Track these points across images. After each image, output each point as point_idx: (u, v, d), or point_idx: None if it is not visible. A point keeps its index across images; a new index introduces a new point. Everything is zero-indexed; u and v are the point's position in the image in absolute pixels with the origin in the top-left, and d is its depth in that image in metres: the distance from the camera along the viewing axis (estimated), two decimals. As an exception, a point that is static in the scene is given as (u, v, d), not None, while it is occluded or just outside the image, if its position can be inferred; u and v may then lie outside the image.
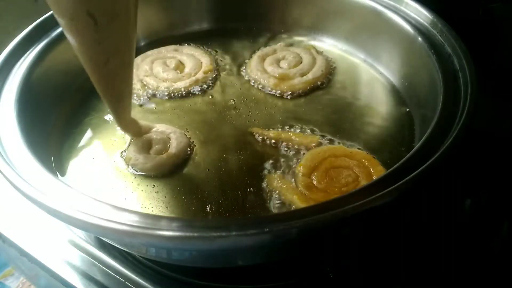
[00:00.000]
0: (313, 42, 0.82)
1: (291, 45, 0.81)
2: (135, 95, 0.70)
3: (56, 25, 0.69)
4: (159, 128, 0.63)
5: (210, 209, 0.54)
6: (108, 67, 0.49)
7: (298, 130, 0.64)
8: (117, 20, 0.47)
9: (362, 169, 0.56)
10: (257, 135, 0.63)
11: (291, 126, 0.64)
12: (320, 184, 0.55)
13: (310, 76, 0.72)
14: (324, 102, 0.69)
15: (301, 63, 0.75)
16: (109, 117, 0.67)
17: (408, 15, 0.70)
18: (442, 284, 0.53)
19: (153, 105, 0.69)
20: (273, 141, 0.62)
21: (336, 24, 0.80)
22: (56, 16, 0.45)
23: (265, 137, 0.63)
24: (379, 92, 0.71)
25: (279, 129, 0.64)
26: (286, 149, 0.61)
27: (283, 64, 0.75)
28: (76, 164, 0.60)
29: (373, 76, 0.74)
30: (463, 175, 0.62)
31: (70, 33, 0.46)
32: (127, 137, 0.63)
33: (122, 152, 0.61)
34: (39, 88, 0.62)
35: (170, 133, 0.62)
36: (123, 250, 0.55)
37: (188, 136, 0.63)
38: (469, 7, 0.77)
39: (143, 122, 0.62)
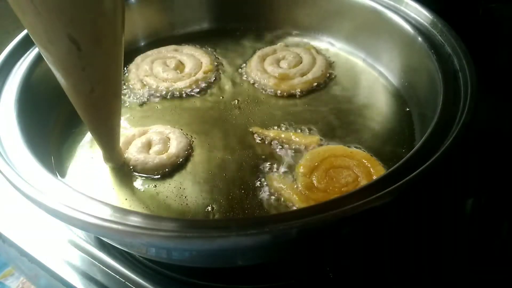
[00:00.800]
0: (313, 42, 0.82)
1: (291, 45, 0.81)
2: (134, 94, 0.70)
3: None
4: (158, 129, 0.63)
5: (210, 209, 0.54)
6: (94, 95, 0.46)
7: (298, 130, 0.64)
8: (103, 44, 0.43)
9: (362, 169, 0.56)
10: (257, 134, 0.63)
11: (291, 126, 0.64)
12: (320, 184, 0.55)
13: (310, 76, 0.72)
14: (324, 102, 0.69)
15: (301, 63, 0.75)
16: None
17: (408, 15, 0.70)
18: (442, 284, 0.53)
19: (153, 105, 0.69)
20: (273, 140, 0.62)
21: (336, 24, 0.80)
22: (35, 40, 0.42)
23: (265, 137, 0.63)
24: (379, 92, 0.71)
25: (279, 129, 0.64)
26: (286, 149, 0.61)
27: (283, 64, 0.75)
28: (76, 164, 0.60)
29: (373, 76, 0.74)
30: (463, 175, 0.62)
31: (51, 59, 0.43)
32: (127, 137, 0.63)
33: (122, 152, 0.61)
34: (39, 88, 0.62)
35: (169, 133, 0.62)
36: (123, 250, 0.55)
37: (188, 136, 0.63)
38: (469, 7, 0.77)
39: (137, 128, 0.63)
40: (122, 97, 0.70)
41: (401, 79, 0.71)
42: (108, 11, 0.42)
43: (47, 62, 0.44)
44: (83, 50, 0.41)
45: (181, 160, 0.59)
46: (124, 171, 0.58)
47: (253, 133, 0.63)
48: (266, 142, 0.62)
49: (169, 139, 0.61)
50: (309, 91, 0.71)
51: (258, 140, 0.63)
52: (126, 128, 0.65)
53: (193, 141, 0.63)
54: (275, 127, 0.64)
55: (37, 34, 0.41)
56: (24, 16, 0.40)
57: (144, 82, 0.72)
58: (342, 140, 0.62)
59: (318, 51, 0.78)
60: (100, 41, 0.43)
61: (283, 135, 0.62)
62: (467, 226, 0.59)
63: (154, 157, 0.58)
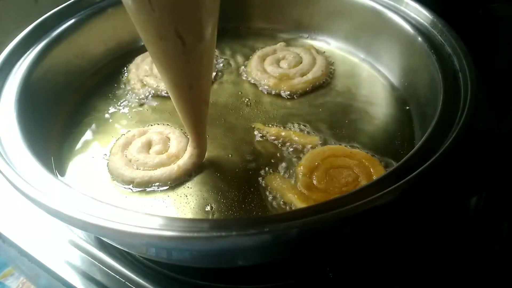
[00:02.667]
0: (313, 42, 0.82)
1: (291, 45, 0.81)
2: (134, 94, 0.70)
3: (56, 25, 0.69)
4: (158, 129, 0.63)
5: (210, 208, 0.54)
6: (192, 92, 0.51)
7: (298, 130, 0.64)
8: (203, 41, 0.48)
9: (362, 169, 0.56)
10: (258, 132, 0.63)
11: (291, 126, 0.64)
12: (320, 184, 0.55)
13: (310, 76, 0.72)
14: (324, 102, 0.69)
15: (301, 63, 0.75)
16: (109, 114, 0.67)
17: (408, 15, 0.70)
18: (442, 284, 0.53)
19: (153, 105, 0.69)
20: (273, 140, 0.62)
21: (336, 24, 0.80)
22: (144, 37, 0.47)
23: (266, 134, 0.63)
24: (379, 92, 0.71)
25: (280, 128, 0.64)
26: (286, 149, 0.61)
27: (283, 64, 0.75)
28: (76, 164, 0.60)
29: (373, 76, 0.74)
30: (463, 175, 0.62)
31: (159, 54, 0.48)
32: (127, 137, 0.63)
33: (122, 152, 0.61)
34: (39, 88, 0.62)
35: (169, 133, 0.62)
36: (123, 250, 0.55)
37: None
38: (469, 7, 0.77)
39: (137, 128, 0.63)
40: (122, 96, 0.71)
41: (401, 79, 0.71)
42: (209, 8, 0.46)
43: (153, 59, 0.49)
44: (187, 45, 0.46)
45: (181, 160, 0.59)
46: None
47: (253, 133, 0.63)
48: (267, 142, 0.62)
49: (169, 139, 0.61)
50: (309, 91, 0.71)
51: (258, 139, 0.63)
52: (126, 128, 0.65)
53: (193, 141, 0.63)
54: (275, 127, 0.64)
55: (147, 30, 0.46)
56: (138, 15, 0.45)
57: (144, 82, 0.72)
58: (342, 140, 0.62)
59: (318, 51, 0.78)
60: (202, 36, 0.47)
61: (283, 133, 0.62)
62: (467, 226, 0.59)
63: (154, 156, 0.58)
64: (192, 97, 0.52)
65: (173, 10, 0.43)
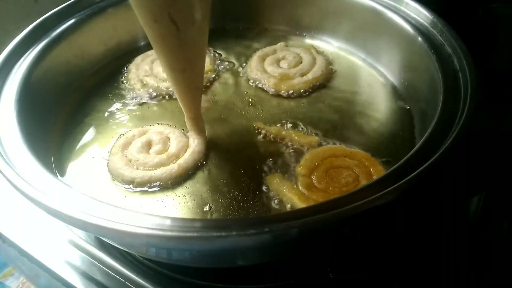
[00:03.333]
0: (313, 42, 0.82)
1: (291, 45, 0.81)
2: (134, 94, 0.70)
3: (56, 25, 0.69)
4: (158, 129, 0.63)
5: (210, 208, 0.54)
6: (185, 75, 0.55)
7: (298, 130, 0.64)
8: (195, 26, 0.51)
9: (362, 169, 0.56)
10: (259, 131, 0.64)
11: (291, 126, 0.64)
12: (320, 184, 0.55)
13: (310, 76, 0.72)
14: (324, 102, 0.69)
15: (301, 63, 0.75)
16: (109, 114, 0.67)
17: (408, 15, 0.70)
18: (442, 284, 0.53)
19: (153, 105, 0.69)
20: (274, 140, 0.62)
21: (336, 24, 0.80)
22: (142, 21, 0.50)
23: (267, 133, 0.63)
24: (379, 92, 0.71)
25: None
26: (286, 149, 0.61)
27: (283, 64, 0.75)
28: (76, 164, 0.60)
29: (373, 76, 0.74)
30: (463, 175, 0.62)
31: (155, 37, 0.51)
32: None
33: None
34: (39, 88, 0.62)
35: (169, 133, 0.62)
36: (123, 250, 0.55)
37: (188, 136, 0.63)
38: (469, 7, 0.77)
39: (137, 128, 0.64)
40: (122, 96, 0.71)
41: (401, 79, 0.71)
42: None
43: (151, 42, 0.52)
44: (180, 30, 0.49)
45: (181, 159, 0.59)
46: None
47: (253, 133, 0.63)
48: (267, 142, 0.62)
49: (169, 139, 0.61)
50: (309, 91, 0.71)
51: (258, 139, 0.63)
52: (126, 128, 0.65)
53: (193, 141, 0.63)
54: (276, 127, 0.64)
55: (143, 14, 0.49)
56: None
57: (144, 82, 0.72)
58: (342, 140, 0.62)
59: (318, 51, 0.78)
60: (194, 21, 0.50)
61: (283, 133, 0.62)
62: (467, 226, 0.59)
63: (154, 156, 0.58)
64: (186, 79, 0.56)
65: None
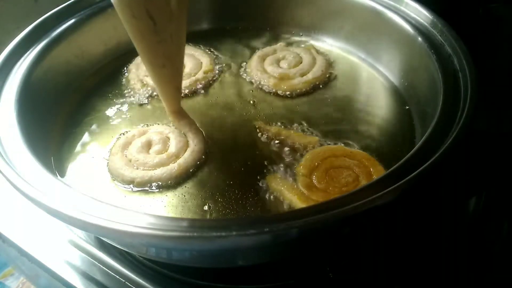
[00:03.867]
0: (313, 42, 0.82)
1: (291, 45, 0.81)
2: (134, 94, 0.70)
3: (56, 25, 0.69)
4: (157, 129, 0.63)
5: (209, 208, 0.54)
6: (165, 71, 0.57)
7: (298, 130, 0.63)
8: (173, 22, 0.52)
9: (362, 169, 0.56)
10: (259, 130, 0.64)
11: (291, 126, 0.64)
12: (320, 184, 0.55)
13: (310, 76, 0.72)
14: (324, 102, 0.69)
15: (301, 63, 0.75)
16: (109, 114, 0.67)
17: (408, 15, 0.70)
18: (442, 284, 0.53)
19: (153, 105, 0.69)
20: (274, 139, 0.62)
21: (336, 24, 0.80)
22: (121, 16, 0.51)
23: (267, 133, 0.63)
24: (379, 92, 0.71)
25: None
26: (286, 149, 0.61)
27: (283, 64, 0.75)
28: (76, 164, 0.60)
29: (373, 76, 0.74)
30: (463, 175, 0.62)
31: (134, 33, 0.53)
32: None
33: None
34: (39, 88, 0.62)
35: (168, 133, 0.62)
36: (123, 250, 0.55)
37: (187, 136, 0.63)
38: (469, 7, 0.77)
39: (136, 128, 0.65)
40: (122, 96, 0.71)
41: (401, 79, 0.71)
42: None
43: (131, 38, 0.54)
44: (158, 25, 0.51)
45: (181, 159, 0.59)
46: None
47: (253, 133, 0.63)
48: (266, 142, 0.62)
49: (169, 139, 0.61)
50: (309, 91, 0.71)
51: (258, 139, 0.63)
52: (126, 128, 0.65)
53: (193, 141, 0.63)
54: (276, 126, 0.64)
55: (122, 8, 0.51)
56: None
57: (144, 82, 0.72)
58: (342, 140, 0.62)
59: (318, 51, 0.78)
60: (171, 17, 0.52)
61: (283, 132, 0.62)
62: (467, 226, 0.59)
63: (154, 156, 0.58)
64: (166, 75, 0.58)
65: None
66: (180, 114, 0.64)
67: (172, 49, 0.56)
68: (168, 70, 0.58)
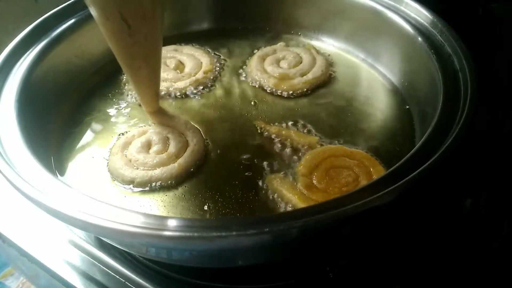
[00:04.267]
0: (313, 42, 0.82)
1: (291, 45, 0.81)
2: (134, 94, 0.70)
3: (56, 25, 0.69)
4: (157, 129, 0.63)
5: (209, 208, 0.54)
6: (141, 72, 0.57)
7: (298, 130, 0.63)
8: (147, 24, 0.52)
9: (362, 169, 0.56)
10: (259, 129, 0.64)
11: (291, 126, 0.64)
12: (320, 184, 0.55)
13: (310, 76, 0.72)
14: (324, 102, 0.69)
15: (301, 63, 0.75)
16: (109, 114, 0.67)
17: (408, 15, 0.70)
18: (442, 284, 0.53)
19: (153, 105, 0.69)
20: (274, 139, 0.62)
21: (336, 24, 0.80)
22: (95, 17, 0.51)
23: (267, 132, 0.63)
24: (379, 92, 0.71)
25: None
26: (286, 149, 0.61)
27: (283, 64, 0.75)
28: (76, 164, 0.60)
29: (373, 76, 0.74)
30: (463, 175, 0.62)
31: (109, 34, 0.52)
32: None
33: (122, 152, 0.61)
34: (39, 88, 0.62)
35: (168, 133, 0.62)
36: (123, 250, 0.55)
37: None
38: (469, 7, 0.77)
39: (136, 128, 0.64)
40: (122, 96, 0.71)
41: (401, 79, 0.71)
42: None
43: (106, 40, 0.53)
44: (132, 27, 0.50)
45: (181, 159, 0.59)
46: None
47: (253, 133, 0.64)
48: (267, 142, 0.62)
49: (169, 139, 0.61)
50: (309, 91, 0.71)
51: (258, 140, 0.63)
52: (126, 128, 0.65)
53: (193, 141, 0.63)
54: (276, 126, 0.64)
55: (96, 11, 0.50)
56: None
57: (144, 82, 0.72)
58: (342, 140, 0.62)
59: (318, 51, 0.78)
60: (145, 19, 0.51)
61: (283, 132, 0.62)
62: (466, 226, 0.59)
63: (154, 156, 0.58)
64: (143, 77, 0.58)
65: None
66: (160, 113, 0.64)
67: (148, 50, 0.55)
68: (145, 71, 0.57)
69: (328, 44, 0.81)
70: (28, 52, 0.63)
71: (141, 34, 0.52)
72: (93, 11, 0.51)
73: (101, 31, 0.53)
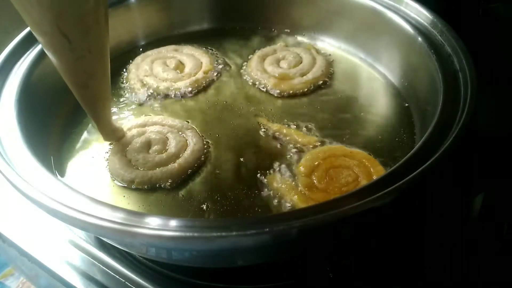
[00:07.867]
0: (313, 42, 0.82)
1: (291, 45, 0.81)
2: (134, 94, 0.70)
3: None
4: (157, 129, 0.63)
5: (209, 208, 0.54)
6: (89, 91, 0.52)
7: (298, 130, 0.63)
8: (89, 38, 0.48)
9: (362, 169, 0.56)
10: (261, 126, 0.64)
11: (291, 126, 0.64)
12: (320, 184, 0.55)
13: (310, 76, 0.72)
14: (324, 102, 0.69)
15: (301, 63, 0.75)
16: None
17: (408, 15, 0.70)
18: (442, 284, 0.53)
19: (153, 105, 0.69)
20: (274, 137, 0.62)
21: (336, 24, 0.80)
22: (33, 31, 0.47)
23: (268, 129, 0.63)
24: (379, 92, 0.71)
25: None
26: (286, 149, 0.61)
27: (283, 64, 0.75)
28: (75, 164, 0.60)
29: (373, 76, 0.74)
30: (463, 175, 0.62)
31: (50, 50, 0.48)
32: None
33: (122, 152, 0.61)
34: (39, 88, 0.62)
35: (167, 133, 0.62)
36: (123, 250, 0.55)
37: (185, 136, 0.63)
38: (469, 7, 0.77)
39: (136, 128, 0.63)
40: (122, 96, 0.71)
41: (401, 79, 0.71)
42: (91, 8, 0.47)
43: (49, 56, 0.49)
44: (72, 42, 0.46)
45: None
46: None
47: (253, 133, 0.64)
48: (267, 142, 0.62)
49: (168, 139, 0.61)
50: (309, 91, 0.71)
51: (258, 140, 0.63)
52: (126, 128, 0.65)
53: (193, 141, 0.63)
54: (277, 124, 0.64)
55: (31, 25, 0.46)
56: (22, 8, 0.45)
57: (144, 82, 0.72)
58: (342, 140, 0.62)
59: (318, 51, 0.78)
60: (86, 33, 0.48)
61: (284, 131, 0.63)
62: (467, 226, 0.59)
63: (154, 156, 0.58)
64: (90, 94, 0.53)
65: (51, 7, 0.43)
66: (113, 131, 0.59)
67: (93, 64, 0.51)
68: (92, 89, 0.52)
69: (328, 44, 0.81)
70: (28, 52, 0.63)
71: (83, 48, 0.48)
72: (30, 26, 0.47)
73: (43, 47, 0.49)
